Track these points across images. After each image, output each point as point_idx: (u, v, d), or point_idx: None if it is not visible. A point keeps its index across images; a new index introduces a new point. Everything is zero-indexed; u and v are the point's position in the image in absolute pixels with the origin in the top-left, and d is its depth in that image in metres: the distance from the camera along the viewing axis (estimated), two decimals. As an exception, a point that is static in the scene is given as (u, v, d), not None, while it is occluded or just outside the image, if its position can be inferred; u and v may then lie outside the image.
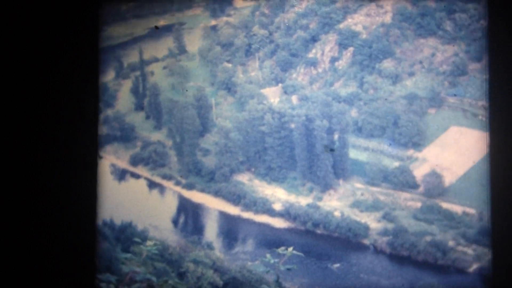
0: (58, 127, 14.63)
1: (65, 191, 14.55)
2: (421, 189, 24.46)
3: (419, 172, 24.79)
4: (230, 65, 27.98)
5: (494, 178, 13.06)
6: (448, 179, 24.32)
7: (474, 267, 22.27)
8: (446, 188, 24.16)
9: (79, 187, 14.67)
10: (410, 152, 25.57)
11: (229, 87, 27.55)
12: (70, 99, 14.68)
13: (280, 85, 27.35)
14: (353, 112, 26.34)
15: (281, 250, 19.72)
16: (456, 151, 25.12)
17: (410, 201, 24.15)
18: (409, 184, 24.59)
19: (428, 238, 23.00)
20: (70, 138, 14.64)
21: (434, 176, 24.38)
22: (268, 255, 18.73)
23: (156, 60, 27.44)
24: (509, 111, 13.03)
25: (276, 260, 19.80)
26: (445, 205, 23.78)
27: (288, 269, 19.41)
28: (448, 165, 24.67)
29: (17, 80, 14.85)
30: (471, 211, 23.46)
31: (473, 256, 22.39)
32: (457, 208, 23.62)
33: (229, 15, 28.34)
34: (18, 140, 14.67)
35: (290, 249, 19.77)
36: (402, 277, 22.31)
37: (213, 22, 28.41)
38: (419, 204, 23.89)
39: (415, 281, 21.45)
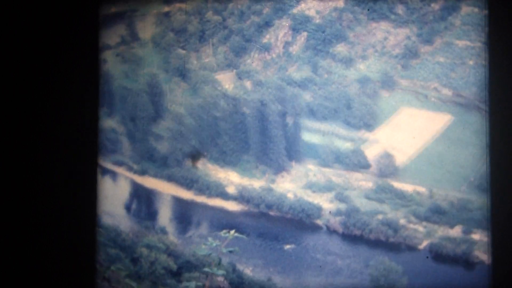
0: (57, 126, 14.54)
1: (64, 191, 14.48)
2: (373, 169, 24.66)
3: (371, 152, 24.98)
4: (183, 51, 27.83)
5: (494, 172, 13.15)
6: (400, 159, 24.55)
7: (424, 243, 22.56)
8: (398, 167, 24.40)
9: (79, 187, 14.63)
10: (362, 133, 25.74)
11: (183, 74, 27.41)
12: (69, 98, 14.59)
13: (234, 70, 27.32)
14: (307, 96, 26.41)
15: (223, 233, 19.83)
16: (408, 132, 25.35)
17: (362, 181, 24.33)
18: (361, 165, 24.77)
19: (380, 217, 23.22)
20: (69, 138, 14.58)
21: (386, 156, 24.60)
22: (210, 239, 18.84)
23: (109, 47, 27.16)
24: (509, 105, 13.15)
25: (219, 243, 19.89)
26: (396, 184, 24.00)
27: (230, 252, 19.54)
28: (400, 146, 24.90)
29: (17, 79, 14.73)
30: (422, 189, 23.74)
31: (423, 233, 22.68)
32: (408, 187, 23.87)
33: (182, 1, 28.17)
34: (17, 140, 14.56)
35: (232, 232, 19.90)
36: (355, 256, 22.49)
37: (166, 9, 28.21)
38: (370, 184, 24.08)
39: (368, 259, 21.65)
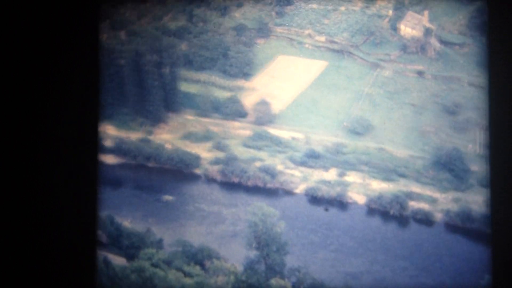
0: (58, 127, 13.97)
1: (65, 191, 14.00)
2: (251, 117, 24.95)
3: (249, 101, 25.25)
4: (53, 2, 26.79)
5: (495, 155, 13.27)
6: (277, 106, 24.94)
7: (301, 188, 23.13)
8: (275, 115, 24.80)
9: (79, 187, 14.17)
10: (240, 82, 25.93)
11: (53, 25, 26.41)
12: (70, 99, 14.05)
13: (107, 20, 26.56)
14: (183, 46, 26.20)
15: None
16: (285, 79, 25.74)
17: (240, 129, 24.60)
18: (240, 114, 25.02)
19: (258, 164, 23.59)
20: (70, 138, 14.05)
21: (264, 104, 24.94)
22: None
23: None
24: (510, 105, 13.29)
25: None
26: (274, 131, 24.41)
27: None
28: (277, 93, 25.27)
29: (19, 80, 14.03)
30: (299, 135, 24.25)
31: (300, 178, 23.23)
32: (285, 134, 24.33)
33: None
34: (18, 139, 13.91)
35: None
36: (237, 205, 22.80)
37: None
38: (249, 132, 24.38)
39: (246, 205, 21.94)
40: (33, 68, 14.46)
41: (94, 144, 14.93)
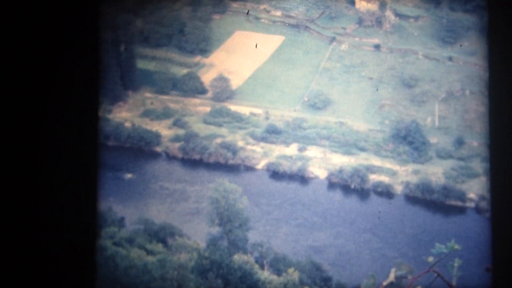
0: (58, 125, 13.70)
1: (65, 189, 13.76)
2: (209, 94, 24.89)
3: (207, 77, 25.14)
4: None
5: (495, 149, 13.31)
6: (236, 82, 24.90)
7: (262, 163, 23.25)
8: (234, 91, 24.77)
9: (80, 185, 13.95)
10: (198, 58, 25.78)
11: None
12: (70, 97, 13.80)
13: (60, -2, 26.08)
14: (139, 22, 25.88)
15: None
16: (242, 54, 25.67)
17: (200, 106, 24.54)
18: (198, 90, 24.92)
19: (219, 140, 23.59)
20: (69, 137, 13.80)
21: (222, 80, 24.86)
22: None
23: None
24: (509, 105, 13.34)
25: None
26: (233, 107, 24.42)
27: None
28: (235, 69, 25.20)
29: (19, 78, 13.70)
30: (258, 111, 24.31)
31: (261, 154, 23.33)
32: (245, 110, 24.36)
33: None
34: (18, 138, 13.60)
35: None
36: (198, 180, 22.81)
37: None
38: (208, 109, 24.33)
39: (209, 182, 21.96)
40: (32, 62, 14.36)
41: (94, 141, 14.90)
